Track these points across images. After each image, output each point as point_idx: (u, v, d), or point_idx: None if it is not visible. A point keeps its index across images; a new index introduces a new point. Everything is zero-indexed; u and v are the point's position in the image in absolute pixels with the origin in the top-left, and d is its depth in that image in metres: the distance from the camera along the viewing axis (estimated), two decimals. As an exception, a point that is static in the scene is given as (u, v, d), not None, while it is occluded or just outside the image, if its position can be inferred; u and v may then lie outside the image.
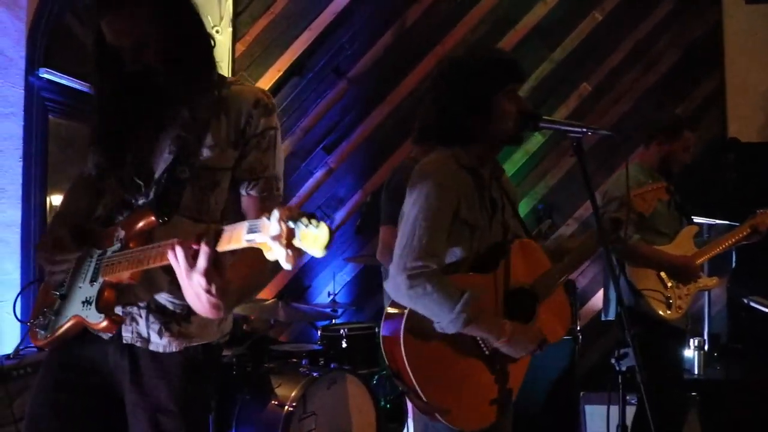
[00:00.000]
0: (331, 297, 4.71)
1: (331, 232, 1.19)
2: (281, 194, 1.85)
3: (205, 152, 1.73)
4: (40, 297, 1.91)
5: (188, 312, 1.74)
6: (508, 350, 2.05)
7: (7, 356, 3.08)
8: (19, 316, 2.03)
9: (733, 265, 4.47)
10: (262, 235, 1.23)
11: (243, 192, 1.80)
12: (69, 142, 4.08)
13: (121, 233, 1.71)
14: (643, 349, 3.04)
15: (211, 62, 1.81)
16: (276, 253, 1.21)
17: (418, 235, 1.99)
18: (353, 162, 5.16)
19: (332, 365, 3.84)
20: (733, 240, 3.31)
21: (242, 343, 3.82)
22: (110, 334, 1.74)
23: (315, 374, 3.62)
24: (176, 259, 1.43)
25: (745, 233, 3.31)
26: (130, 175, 1.76)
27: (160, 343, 1.75)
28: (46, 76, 3.77)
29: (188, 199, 1.74)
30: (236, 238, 1.31)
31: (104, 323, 1.67)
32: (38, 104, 3.76)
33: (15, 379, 2.99)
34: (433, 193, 2.03)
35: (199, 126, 1.73)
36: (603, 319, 3.50)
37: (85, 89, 4.07)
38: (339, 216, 5.12)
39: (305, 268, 5.16)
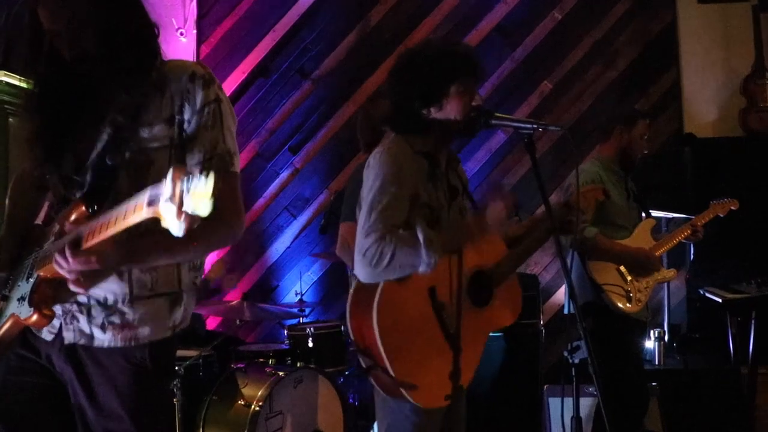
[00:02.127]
0: (299, 296, 4.73)
1: (216, 184, 1.16)
2: (237, 170, 1.76)
3: (140, 133, 1.67)
4: None
5: (130, 299, 1.70)
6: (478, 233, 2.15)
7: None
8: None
9: (692, 257, 4.57)
10: (162, 200, 1.21)
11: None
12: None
13: (56, 227, 1.67)
14: (605, 342, 3.15)
15: (153, 47, 1.73)
16: (168, 219, 1.20)
17: (378, 210, 2.02)
18: (319, 162, 5.18)
19: (299, 364, 3.87)
20: (680, 237, 3.43)
21: (208, 344, 3.83)
22: (52, 334, 1.69)
23: (281, 373, 3.64)
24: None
25: (686, 233, 3.43)
26: (67, 168, 1.71)
27: (104, 338, 1.69)
28: (4, 78, 3.74)
29: (124, 185, 1.66)
30: (140, 206, 1.28)
31: (34, 317, 1.62)
32: (-3, 107, 3.73)
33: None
34: (389, 174, 2.06)
35: (135, 109, 1.67)
36: (565, 312, 3.56)
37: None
38: (305, 216, 5.14)
39: (273, 268, 5.17)
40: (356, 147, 5.04)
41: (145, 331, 1.72)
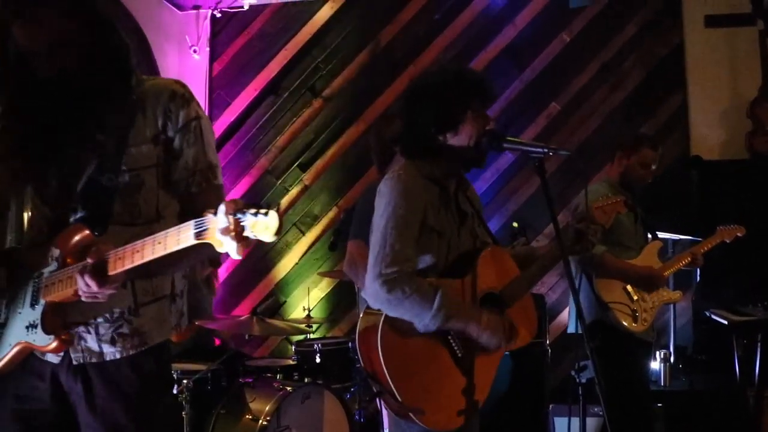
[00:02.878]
0: (306, 312, 4.76)
1: (281, 217, 1.25)
2: (220, 182, 1.79)
3: (128, 154, 1.67)
4: None
5: (135, 307, 1.71)
6: (486, 338, 2.11)
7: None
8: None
9: (698, 279, 4.59)
10: (211, 231, 1.27)
11: (182, 191, 1.75)
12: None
13: (56, 252, 1.65)
14: (610, 361, 3.16)
15: (127, 64, 1.72)
16: (227, 246, 1.26)
17: (389, 243, 2.06)
18: (328, 179, 5.24)
19: (306, 380, 3.89)
20: (681, 264, 3.44)
21: (217, 358, 3.86)
22: (59, 358, 1.68)
23: (289, 389, 3.66)
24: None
25: (686, 260, 3.45)
26: (54, 189, 1.69)
27: (113, 351, 1.69)
28: None
29: (118, 206, 1.67)
30: (184, 238, 1.34)
31: (54, 344, 1.62)
32: None
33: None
34: (401, 202, 2.10)
35: (119, 130, 1.66)
36: (568, 332, 3.58)
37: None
38: (314, 232, 5.19)
39: (281, 284, 5.21)
40: (365, 165, 5.13)
41: (152, 335, 1.74)
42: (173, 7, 5.20)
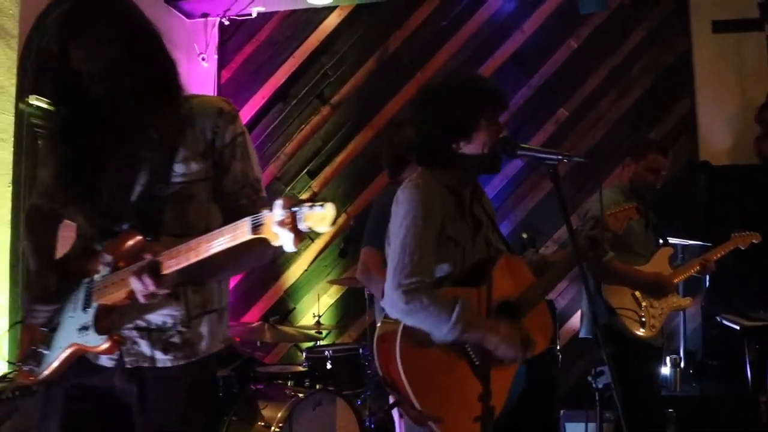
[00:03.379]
0: (317, 318, 4.77)
1: (337, 209, 1.33)
2: (265, 194, 1.87)
3: (177, 168, 1.75)
4: (24, 336, 1.89)
5: (187, 319, 1.78)
6: (503, 350, 2.11)
7: (-4, 379, 3.10)
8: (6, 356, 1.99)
9: (707, 284, 4.59)
10: (267, 225, 1.34)
11: (232, 203, 1.82)
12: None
13: (107, 258, 1.72)
14: (618, 367, 3.16)
15: (176, 81, 1.80)
16: (282, 238, 1.33)
17: (408, 252, 2.06)
18: (336, 186, 5.26)
19: (318, 386, 3.90)
20: (692, 271, 3.45)
21: (228, 365, 3.87)
22: (113, 361, 1.75)
23: (301, 395, 3.67)
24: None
25: (697, 267, 3.45)
26: (107, 202, 1.75)
27: (165, 358, 1.77)
28: (35, 102, 3.84)
29: (169, 217, 1.76)
30: (241, 233, 1.41)
31: (106, 344, 1.68)
32: (28, 130, 3.82)
33: (4, 402, 3.01)
34: (419, 211, 2.11)
35: (169, 144, 1.74)
36: (580, 336, 3.58)
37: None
38: (323, 239, 5.20)
39: (290, 291, 5.22)
40: (374, 172, 5.15)
41: (203, 347, 1.82)
42: (182, 15, 5.23)
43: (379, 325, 2.18)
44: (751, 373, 3.70)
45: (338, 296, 5.17)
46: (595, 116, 5.01)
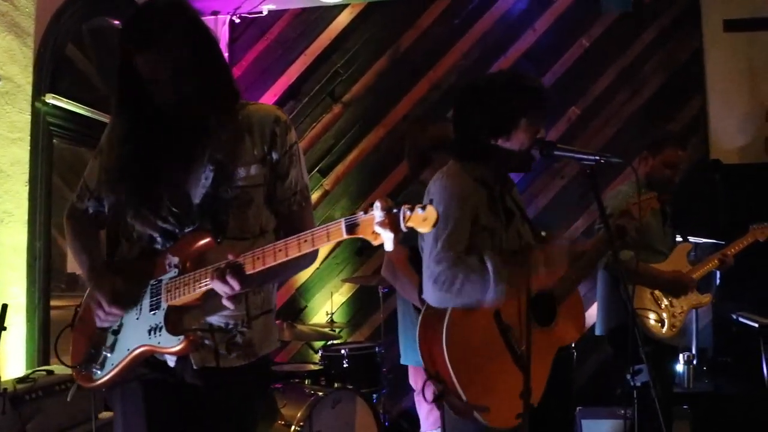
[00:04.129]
0: (329, 316, 4.78)
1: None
2: (311, 200, 1.98)
3: (239, 172, 1.80)
4: (80, 339, 1.92)
5: (247, 320, 1.83)
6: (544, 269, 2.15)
7: (19, 380, 3.10)
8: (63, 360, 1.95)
9: (718, 281, 4.62)
10: (364, 226, 1.43)
11: (285, 208, 1.89)
12: (72, 166, 4.13)
13: (174, 260, 1.76)
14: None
15: (233, 86, 1.86)
16: (383, 237, 1.41)
17: (441, 244, 2.08)
18: (348, 184, 5.26)
19: (336, 385, 3.91)
20: (710, 266, 3.45)
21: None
22: (180, 362, 1.78)
23: (320, 394, 3.68)
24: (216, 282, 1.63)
25: (715, 262, 3.45)
26: (168, 205, 1.80)
27: (230, 358, 1.81)
28: (51, 101, 3.83)
29: (231, 219, 1.81)
30: (335, 234, 1.48)
31: (182, 345, 1.71)
32: (44, 129, 3.81)
33: (27, 402, 3.01)
34: (451, 202, 2.12)
35: (231, 148, 1.80)
36: (596, 333, 3.60)
37: (89, 115, 4.15)
38: (335, 237, 5.19)
39: (302, 289, 5.23)
40: (385, 170, 5.17)
41: (262, 346, 1.88)
42: (192, 13, 5.20)
43: (420, 318, 2.19)
44: (767, 371, 3.72)
45: (350, 294, 5.17)
46: (606, 115, 5.02)
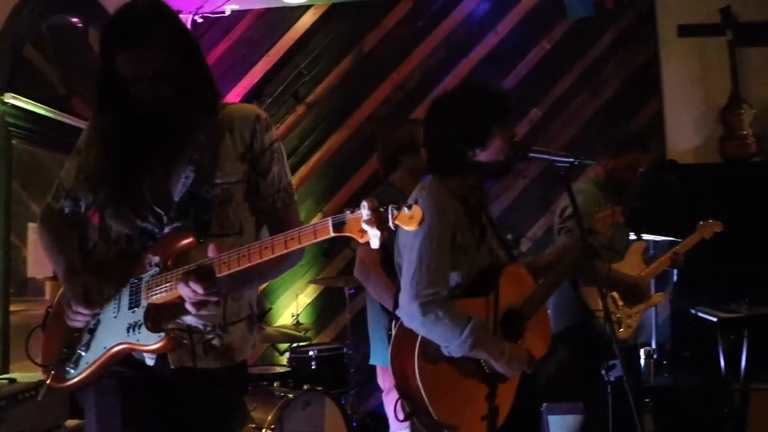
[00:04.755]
0: (295, 318, 4.76)
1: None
2: (296, 198, 1.98)
3: (219, 171, 1.81)
4: (52, 339, 1.89)
5: (224, 325, 1.82)
6: (505, 370, 2.15)
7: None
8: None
9: (675, 278, 4.76)
10: (351, 224, 1.44)
11: (268, 206, 1.90)
12: (31, 167, 4.03)
13: (155, 258, 1.75)
14: (591, 364, 3.24)
15: (214, 87, 1.87)
16: (370, 234, 1.43)
17: (425, 264, 2.10)
18: (312, 186, 5.24)
19: (305, 387, 3.90)
20: (664, 265, 3.52)
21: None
22: (152, 359, 1.78)
23: (290, 396, 3.67)
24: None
25: (667, 262, 3.53)
26: (150, 204, 1.80)
27: (207, 360, 1.80)
28: (11, 101, 3.72)
29: (212, 217, 1.81)
30: (321, 232, 1.49)
31: (161, 342, 1.69)
32: (3, 129, 3.70)
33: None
34: (434, 221, 2.14)
35: (212, 148, 1.81)
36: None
37: (49, 115, 4.04)
38: (299, 239, 5.16)
39: (266, 291, 5.18)
40: (349, 171, 5.17)
41: (238, 352, 1.87)
42: (153, 12, 5.12)
43: (393, 336, 2.21)
44: (724, 363, 3.85)
45: (315, 296, 5.16)
46: (567, 116, 5.12)
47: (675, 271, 4.71)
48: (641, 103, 5.08)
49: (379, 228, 1.42)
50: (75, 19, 4.42)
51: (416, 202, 2.17)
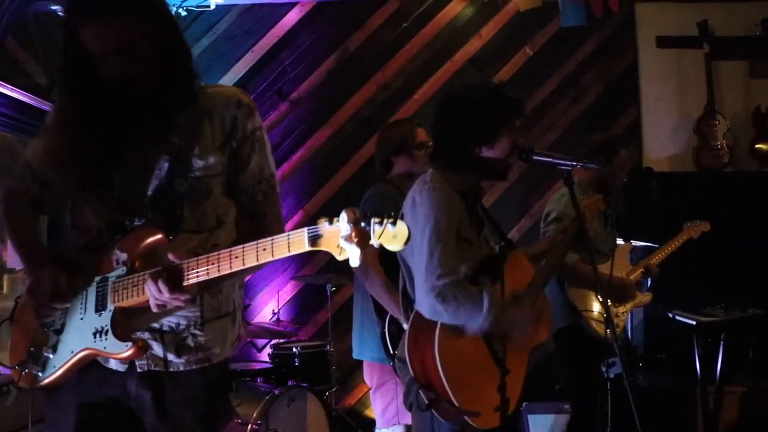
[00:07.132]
0: (275, 314, 4.74)
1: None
2: (278, 190, 1.84)
3: (196, 162, 1.67)
4: (19, 336, 1.77)
5: (201, 322, 1.71)
6: (521, 330, 2.25)
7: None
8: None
9: (649, 283, 4.86)
10: (328, 239, 1.31)
11: (247, 198, 1.77)
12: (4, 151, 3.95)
13: (122, 256, 1.64)
14: (580, 363, 3.31)
15: (191, 68, 1.72)
16: (349, 252, 1.30)
17: (437, 256, 2.17)
18: (295, 183, 5.22)
19: (290, 383, 3.89)
20: (636, 274, 3.60)
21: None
22: (124, 366, 1.67)
23: (275, 392, 3.66)
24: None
25: (640, 273, 3.61)
26: (119, 194, 1.67)
27: (179, 362, 1.69)
28: (-9, 87, 3.64)
29: (186, 212, 1.68)
30: (296, 245, 1.37)
31: (129, 351, 1.60)
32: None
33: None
34: (440, 215, 2.21)
35: (189, 135, 1.67)
36: None
37: (26, 101, 3.96)
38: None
39: (246, 287, 5.14)
40: (332, 169, 5.17)
41: (216, 351, 1.75)
42: (136, 3, 5.04)
43: (408, 328, 2.26)
44: (700, 366, 3.95)
45: (295, 292, 5.14)
46: (548, 121, 5.21)
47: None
48: (620, 110, 5.20)
49: (359, 245, 1.29)
50: (54, 7, 4.33)
51: (420, 195, 2.25)
